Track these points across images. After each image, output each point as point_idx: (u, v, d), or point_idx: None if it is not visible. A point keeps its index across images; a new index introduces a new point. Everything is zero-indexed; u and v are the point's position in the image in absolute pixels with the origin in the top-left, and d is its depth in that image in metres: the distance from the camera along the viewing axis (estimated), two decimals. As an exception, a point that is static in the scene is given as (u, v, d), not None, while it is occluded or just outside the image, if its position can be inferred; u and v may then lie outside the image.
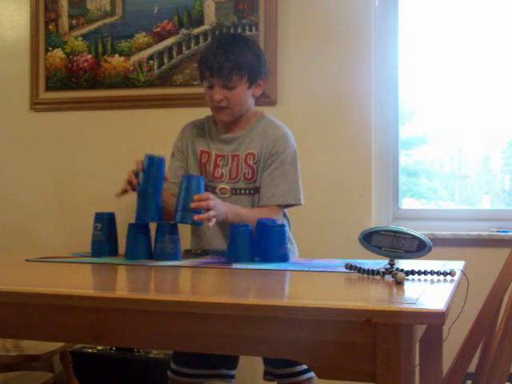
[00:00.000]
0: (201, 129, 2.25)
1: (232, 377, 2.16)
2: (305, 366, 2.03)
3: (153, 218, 1.89)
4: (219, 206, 1.90)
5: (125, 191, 1.93)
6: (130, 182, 1.93)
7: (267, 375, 2.13)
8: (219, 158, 2.16)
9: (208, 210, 1.85)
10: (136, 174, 1.92)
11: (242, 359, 2.25)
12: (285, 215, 2.19)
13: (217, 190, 2.14)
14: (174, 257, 1.85)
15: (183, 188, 1.86)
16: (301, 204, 2.14)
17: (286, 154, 2.12)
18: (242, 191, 2.13)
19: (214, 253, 2.03)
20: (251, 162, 2.13)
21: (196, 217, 1.83)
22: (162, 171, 1.92)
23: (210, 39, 2.90)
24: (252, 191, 2.13)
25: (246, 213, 2.04)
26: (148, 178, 1.90)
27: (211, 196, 1.90)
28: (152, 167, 1.90)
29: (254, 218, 1.96)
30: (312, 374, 2.04)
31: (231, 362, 2.16)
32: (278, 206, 2.10)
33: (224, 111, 2.12)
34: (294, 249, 2.20)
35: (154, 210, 1.90)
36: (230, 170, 2.15)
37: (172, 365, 2.14)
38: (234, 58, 2.06)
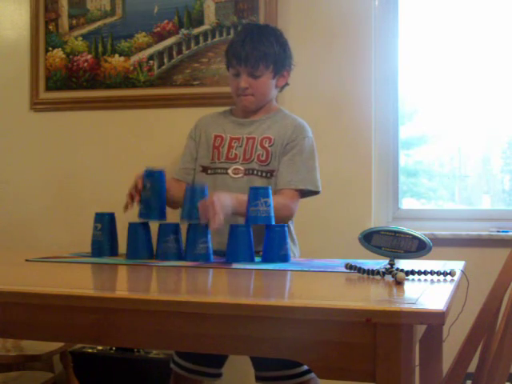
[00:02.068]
0: (216, 118, 2.30)
1: (221, 375, 2.20)
2: (304, 368, 2.03)
3: (156, 217, 1.90)
4: (225, 203, 1.88)
5: (127, 206, 1.95)
6: (131, 196, 1.95)
7: (259, 379, 2.13)
8: (234, 141, 2.20)
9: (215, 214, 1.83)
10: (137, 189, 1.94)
11: (236, 359, 2.25)
12: None
13: (229, 171, 2.15)
14: (178, 256, 1.85)
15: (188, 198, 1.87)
16: (319, 192, 2.18)
17: (305, 142, 2.18)
18: (255, 172, 2.15)
19: (214, 253, 2.03)
20: (267, 145, 2.16)
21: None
22: (163, 184, 1.93)
23: (209, 39, 2.91)
24: (267, 174, 2.15)
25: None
26: (151, 193, 1.90)
27: (214, 198, 1.87)
28: (153, 181, 1.90)
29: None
30: (312, 375, 2.04)
31: (220, 360, 2.18)
32: (295, 192, 2.13)
33: (248, 99, 2.18)
34: (295, 249, 2.22)
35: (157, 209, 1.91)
36: (245, 151, 2.17)
37: (175, 357, 2.17)
38: (261, 48, 2.12)
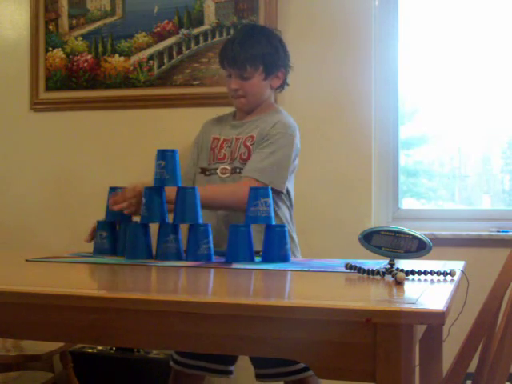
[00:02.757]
0: (219, 121, 2.32)
1: (231, 372, 2.19)
2: (303, 365, 2.03)
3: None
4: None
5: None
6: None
7: (259, 377, 2.13)
8: (225, 142, 2.22)
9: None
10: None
11: (240, 356, 2.25)
12: (285, 203, 2.19)
13: (218, 171, 2.19)
14: (178, 257, 1.85)
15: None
16: (279, 190, 2.11)
17: (278, 138, 2.13)
18: (237, 170, 2.16)
19: (215, 253, 2.03)
20: (249, 143, 2.17)
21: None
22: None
23: (209, 39, 2.91)
24: None
25: (208, 187, 2.11)
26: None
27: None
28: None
29: (220, 190, 2.09)
30: (311, 372, 2.04)
31: (231, 357, 2.18)
32: (252, 181, 2.06)
33: (240, 101, 2.20)
34: (296, 250, 2.21)
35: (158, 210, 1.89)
36: (232, 151, 2.19)
37: (174, 355, 2.17)
38: (248, 50, 2.13)
